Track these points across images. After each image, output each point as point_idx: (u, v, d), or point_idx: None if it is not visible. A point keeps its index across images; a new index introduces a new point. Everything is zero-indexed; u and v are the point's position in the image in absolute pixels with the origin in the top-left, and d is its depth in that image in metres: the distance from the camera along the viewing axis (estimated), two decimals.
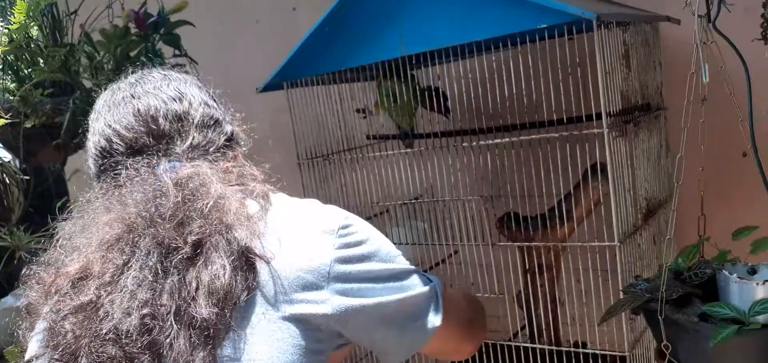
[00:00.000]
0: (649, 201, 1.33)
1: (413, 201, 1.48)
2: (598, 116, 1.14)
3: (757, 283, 0.95)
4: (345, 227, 0.79)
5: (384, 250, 0.82)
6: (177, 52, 1.82)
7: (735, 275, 0.97)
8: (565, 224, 1.35)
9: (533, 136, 1.25)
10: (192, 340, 0.69)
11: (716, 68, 0.98)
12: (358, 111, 1.70)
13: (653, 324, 1.05)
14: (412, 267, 0.84)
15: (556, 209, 1.35)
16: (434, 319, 0.84)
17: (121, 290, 0.71)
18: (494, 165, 1.32)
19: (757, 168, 0.97)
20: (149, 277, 0.72)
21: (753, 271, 1.02)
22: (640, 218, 1.27)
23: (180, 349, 0.69)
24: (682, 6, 0.97)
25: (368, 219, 1.60)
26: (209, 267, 0.72)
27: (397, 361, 0.86)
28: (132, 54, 1.75)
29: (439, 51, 1.30)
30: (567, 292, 1.27)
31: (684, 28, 1.46)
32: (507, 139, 1.27)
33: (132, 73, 0.93)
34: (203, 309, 0.70)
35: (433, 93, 1.64)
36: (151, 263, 0.72)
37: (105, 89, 0.91)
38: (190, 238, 0.74)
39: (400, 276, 0.82)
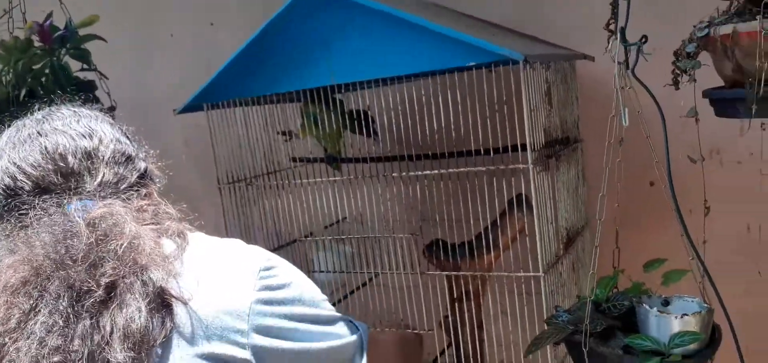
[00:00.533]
0: (569, 230, 1.38)
1: (336, 223, 1.47)
2: (523, 147, 1.18)
3: (675, 317, 1.01)
4: (267, 269, 0.77)
5: (308, 294, 0.80)
6: (86, 66, 1.71)
7: (654, 309, 1.03)
8: (491, 252, 1.38)
9: (461, 169, 1.26)
10: None
11: (632, 111, 1.04)
12: (282, 134, 1.67)
13: (577, 356, 1.09)
14: (338, 314, 0.83)
15: (482, 237, 1.38)
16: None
17: (29, 337, 0.66)
18: (423, 195, 1.32)
19: (672, 204, 1.03)
20: (60, 321, 0.67)
21: (666, 303, 1.09)
22: (561, 247, 1.32)
23: None
24: (594, 45, 1.02)
25: (292, 243, 1.58)
26: (124, 310, 0.69)
27: None
28: (35, 68, 1.63)
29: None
30: (493, 320, 1.30)
31: (598, 65, 1.54)
32: (435, 172, 1.29)
33: (38, 109, 0.86)
34: (118, 353, 0.66)
35: (361, 117, 1.64)
36: (61, 307, 0.68)
37: (7, 126, 0.84)
38: (103, 280, 0.70)
39: (325, 322, 0.80)
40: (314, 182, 1.47)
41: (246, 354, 0.72)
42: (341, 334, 0.81)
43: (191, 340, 0.71)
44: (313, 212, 1.46)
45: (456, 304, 1.44)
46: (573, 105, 1.50)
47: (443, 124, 1.28)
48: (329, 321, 0.81)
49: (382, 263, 1.38)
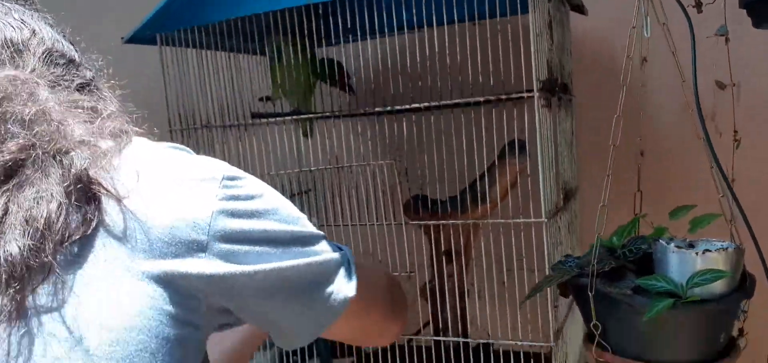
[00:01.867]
0: (566, 185, 1.25)
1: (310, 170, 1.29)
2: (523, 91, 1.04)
3: (697, 254, 0.88)
4: (232, 179, 0.60)
5: (284, 209, 0.64)
6: None
7: (672, 245, 0.90)
8: (479, 207, 1.23)
9: (456, 101, 1.11)
10: None
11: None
12: (261, 100, 1.49)
13: (582, 302, 0.95)
14: (318, 232, 0.67)
15: (472, 188, 1.23)
16: (347, 288, 0.67)
17: None
18: (410, 135, 1.16)
19: (701, 130, 0.91)
20: None
21: (691, 246, 0.96)
22: (561, 199, 1.19)
23: None
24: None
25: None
26: (26, 189, 0.52)
27: (300, 343, 0.68)
28: None
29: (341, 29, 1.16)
30: (487, 278, 1.14)
31: (591, 20, 1.43)
32: (425, 105, 1.13)
33: None
34: (11, 242, 0.50)
35: (334, 67, 1.48)
36: None
37: None
38: (4, 151, 0.53)
39: (303, 240, 0.64)
40: (281, 123, 1.30)
41: (204, 271, 0.56)
42: (322, 251, 0.65)
43: (128, 247, 0.54)
44: (279, 157, 1.29)
45: (436, 267, 1.27)
46: (568, 56, 1.39)
47: (438, 67, 1.13)
48: (309, 239, 0.65)
49: (360, 212, 1.21)
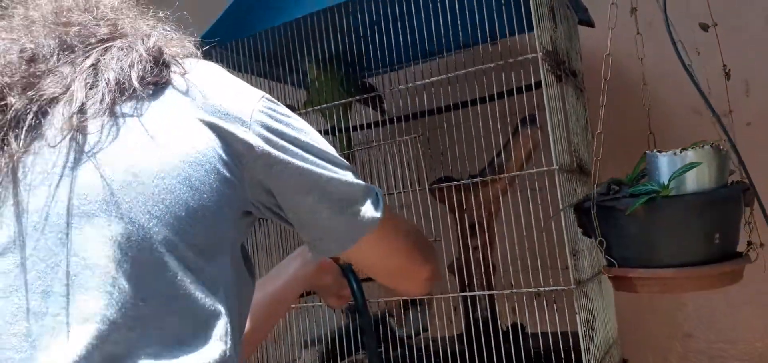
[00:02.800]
0: (580, 160, 1.33)
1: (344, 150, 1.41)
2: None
3: (676, 153, 0.94)
4: (270, 100, 0.74)
5: (315, 134, 0.75)
6: None
7: (654, 150, 0.96)
8: (498, 182, 1.32)
9: (469, 70, 1.24)
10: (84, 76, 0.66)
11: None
12: (288, 107, 1.65)
13: (588, 223, 1.01)
14: (349, 164, 0.77)
15: (489, 167, 1.32)
16: (373, 212, 0.75)
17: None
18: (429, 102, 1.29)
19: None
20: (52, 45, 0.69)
21: None
22: (575, 166, 1.26)
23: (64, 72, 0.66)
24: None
25: None
26: (117, 49, 0.70)
27: (330, 251, 0.77)
28: None
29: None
30: (507, 232, 1.21)
31: (598, 34, 1.56)
32: (442, 76, 1.26)
33: None
34: (109, 72, 0.67)
35: (367, 87, 1.64)
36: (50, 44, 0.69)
37: None
38: (102, 24, 0.72)
39: (333, 160, 0.75)
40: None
41: (250, 139, 0.68)
42: (349, 175, 0.75)
43: (188, 99, 0.69)
44: None
45: (461, 242, 1.34)
46: (577, 55, 1.50)
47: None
48: (338, 162, 0.75)
49: (388, 184, 1.31)
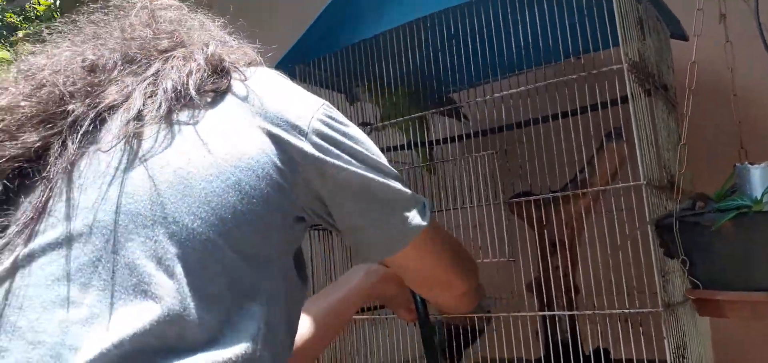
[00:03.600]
0: (671, 177, 1.25)
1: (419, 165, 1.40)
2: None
3: None
4: (329, 108, 0.75)
5: (371, 144, 0.77)
6: None
7: (747, 163, 0.89)
8: (581, 198, 1.26)
9: (550, 81, 1.20)
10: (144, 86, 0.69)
11: None
12: (362, 124, 1.67)
13: (671, 241, 0.94)
14: (398, 173, 0.79)
15: (571, 183, 1.27)
16: (419, 220, 0.77)
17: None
18: (508, 116, 1.26)
19: None
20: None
21: None
22: (666, 182, 1.19)
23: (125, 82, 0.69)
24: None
25: None
26: (178, 59, 0.72)
27: (374, 256, 0.79)
28: None
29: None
30: (590, 249, 1.15)
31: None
32: (521, 89, 1.23)
33: None
34: (167, 81, 0.69)
35: (447, 102, 1.62)
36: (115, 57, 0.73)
37: None
38: (163, 38, 0.75)
39: (384, 170, 0.76)
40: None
41: (305, 146, 0.70)
42: (398, 185, 0.77)
43: (249, 108, 0.70)
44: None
45: (542, 262, 1.29)
46: (668, 68, 1.43)
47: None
48: (389, 172, 0.77)
49: (462, 199, 1.29)
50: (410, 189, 0.78)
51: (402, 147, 1.59)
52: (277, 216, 0.68)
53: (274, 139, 0.69)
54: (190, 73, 0.70)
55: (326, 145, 0.71)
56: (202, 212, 0.62)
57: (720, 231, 0.84)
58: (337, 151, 0.72)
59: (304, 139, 0.70)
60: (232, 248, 0.62)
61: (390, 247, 0.76)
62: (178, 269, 0.59)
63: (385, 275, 1.02)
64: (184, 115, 0.68)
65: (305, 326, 0.93)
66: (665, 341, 1.03)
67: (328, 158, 0.71)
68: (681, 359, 1.09)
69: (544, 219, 1.29)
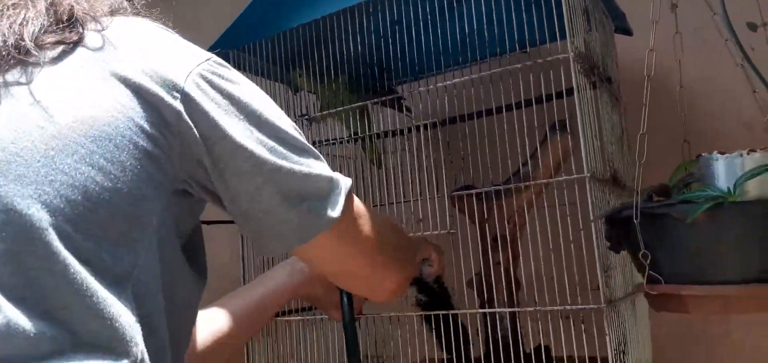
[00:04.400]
0: (614, 171, 1.23)
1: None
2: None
3: (742, 155, 0.84)
4: (219, 63, 0.63)
5: (274, 110, 0.64)
6: None
7: (715, 153, 0.86)
8: (524, 191, 1.23)
9: (495, 70, 1.16)
10: None
11: None
12: (302, 116, 1.59)
13: (628, 235, 0.91)
14: (311, 147, 0.66)
15: (514, 177, 1.23)
16: (331, 209, 0.64)
17: None
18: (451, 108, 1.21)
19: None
20: None
21: None
22: (609, 175, 1.16)
23: None
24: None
25: None
26: (12, 8, 0.60)
27: (273, 250, 0.67)
28: None
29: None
30: (532, 242, 1.11)
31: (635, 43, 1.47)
32: (465, 78, 1.18)
33: None
34: None
35: (388, 92, 1.57)
36: None
37: None
38: None
39: (289, 141, 0.63)
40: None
41: (178, 104, 0.58)
42: (309, 163, 0.64)
43: (101, 58, 0.58)
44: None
45: (490, 253, 1.25)
46: (613, 62, 1.41)
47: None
48: (294, 143, 0.63)
49: (405, 191, 1.23)
50: (331, 171, 0.66)
51: (343, 140, 1.53)
52: (149, 191, 0.57)
53: (141, 97, 0.57)
54: (24, 23, 0.58)
55: (209, 106, 0.59)
56: (44, 195, 0.51)
57: (693, 223, 0.80)
58: (224, 115, 0.59)
59: (178, 97, 0.58)
60: (87, 235, 0.52)
61: (289, 241, 0.64)
62: (15, 267, 0.49)
63: (311, 274, 0.95)
64: (14, 74, 0.56)
65: (220, 322, 0.85)
66: (607, 338, 1.00)
67: (211, 122, 0.58)
68: (622, 356, 1.06)
69: (486, 213, 1.25)
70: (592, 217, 1.00)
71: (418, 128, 1.31)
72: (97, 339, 0.51)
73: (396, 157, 1.33)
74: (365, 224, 0.72)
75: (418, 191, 1.24)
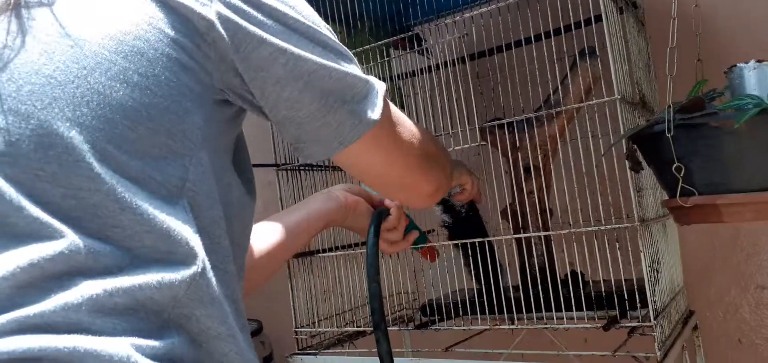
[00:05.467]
0: (643, 95, 1.24)
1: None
2: None
3: None
4: None
5: (309, 12, 0.63)
6: None
7: (751, 63, 0.87)
8: (555, 120, 1.24)
9: None
10: None
11: None
12: None
13: (659, 149, 0.92)
14: (346, 49, 0.65)
15: (545, 105, 1.25)
16: (371, 111, 0.63)
17: None
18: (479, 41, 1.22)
19: None
20: None
21: None
22: (638, 99, 1.18)
23: None
24: None
25: None
26: None
27: (315, 154, 0.65)
28: None
29: None
30: (565, 168, 1.14)
31: None
32: (494, 6, 1.19)
33: None
34: None
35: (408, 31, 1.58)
36: None
37: None
38: None
39: (324, 43, 0.62)
40: None
41: (209, 11, 0.56)
42: (346, 65, 0.63)
43: None
44: None
45: (523, 183, 1.27)
46: None
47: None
48: (332, 47, 0.62)
49: (435, 125, 1.25)
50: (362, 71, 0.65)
51: None
52: (188, 104, 0.56)
53: (170, 8, 0.55)
54: None
55: (242, 13, 0.57)
56: (81, 116, 0.50)
57: (733, 131, 0.81)
58: (258, 16, 0.58)
59: (209, 5, 0.56)
60: (129, 152, 0.52)
61: (331, 145, 0.63)
62: (59, 192, 0.50)
63: (349, 202, 0.97)
64: None
65: (264, 239, 0.88)
66: (641, 255, 1.03)
67: (244, 26, 0.57)
68: (656, 272, 1.09)
69: (517, 144, 1.27)
70: (622, 136, 1.02)
71: (445, 64, 1.33)
72: (154, 253, 0.52)
73: (425, 96, 1.35)
74: (403, 128, 0.72)
75: (450, 125, 1.27)
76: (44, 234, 0.48)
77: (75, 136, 0.50)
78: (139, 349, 0.48)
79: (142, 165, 0.52)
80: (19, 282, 0.47)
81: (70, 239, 0.49)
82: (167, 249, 0.52)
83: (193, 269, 0.53)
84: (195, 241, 0.54)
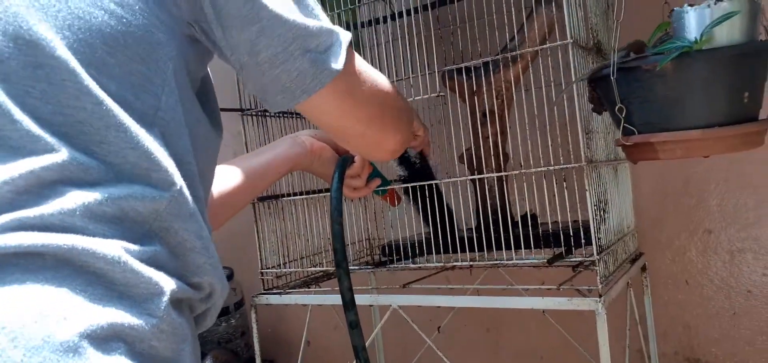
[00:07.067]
0: (598, 42, 1.27)
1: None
2: None
3: (710, 5, 0.87)
4: None
5: None
6: None
7: (685, 5, 0.90)
8: (511, 66, 1.27)
9: None
10: None
11: None
12: None
13: (608, 92, 0.96)
14: (316, 2, 0.65)
15: (502, 52, 1.28)
16: (333, 61, 0.63)
17: None
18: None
19: None
20: None
21: None
22: (593, 44, 1.21)
23: None
24: None
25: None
26: None
27: (277, 104, 0.65)
28: None
29: None
30: (517, 110, 1.18)
31: None
32: None
33: None
34: None
35: None
36: None
37: None
38: None
39: None
40: None
41: None
42: (307, 13, 0.63)
43: None
44: None
45: (479, 130, 1.31)
46: None
47: None
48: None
49: (397, 70, 1.28)
50: (331, 24, 0.64)
51: None
52: (160, 35, 0.58)
53: None
54: None
55: None
56: (65, 39, 0.54)
57: (661, 73, 0.86)
58: None
59: None
60: (110, 77, 0.55)
61: (293, 94, 0.64)
62: (51, 106, 0.53)
63: (313, 148, 1.00)
64: None
65: (230, 178, 0.92)
66: (587, 193, 1.08)
67: None
68: (601, 212, 1.14)
69: (475, 89, 1.30)
70: (574, 79, 1.06)
71: (408, 12, 1.34)
72: (137, 169, 0.55)
73: (389, 42, 1.37)
74: (366, 79, 0.71)
75: (410, 70, 1.29)
76: (39, 147, 0.52)
77: (61, 58, 0.53)
78: (128, 251, 0.54)
79: (121, 90, 0.56)
80: (19, 187, 0.51)
81: (62, 152, 0.53)
82: (148, 166, 0.56)
83: (173, 188, 0.57)
84: (171, 164, 0.58)
